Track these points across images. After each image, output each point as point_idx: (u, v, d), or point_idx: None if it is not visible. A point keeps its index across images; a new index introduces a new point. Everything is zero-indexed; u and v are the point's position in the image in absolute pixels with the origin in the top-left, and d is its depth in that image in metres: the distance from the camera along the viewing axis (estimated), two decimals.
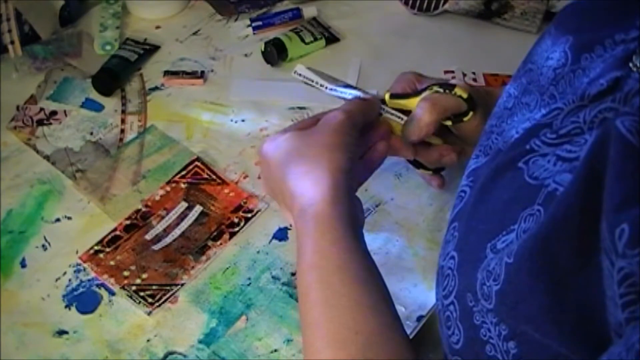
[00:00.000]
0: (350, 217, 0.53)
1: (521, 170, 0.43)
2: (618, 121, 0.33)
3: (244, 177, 0.78)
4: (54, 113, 0.85)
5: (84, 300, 0.67)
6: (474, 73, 0.89)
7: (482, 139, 0.53)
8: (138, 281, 0.68)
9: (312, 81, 0.67)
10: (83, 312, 0.66)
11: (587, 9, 0.48)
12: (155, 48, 0.93)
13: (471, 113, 0.65)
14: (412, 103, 0.66)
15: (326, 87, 0.67)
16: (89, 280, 0.68)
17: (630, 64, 0.40)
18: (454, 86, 0.64)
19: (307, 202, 0.53)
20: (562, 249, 0.35)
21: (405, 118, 0.66)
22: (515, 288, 0.37)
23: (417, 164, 0.72)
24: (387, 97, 0.67)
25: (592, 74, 0.43)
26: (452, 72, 0.89)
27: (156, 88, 0.88)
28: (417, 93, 0.66)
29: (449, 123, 0.67)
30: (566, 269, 0.35)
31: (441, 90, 0.64)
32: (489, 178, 0.46)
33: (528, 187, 0.41)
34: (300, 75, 0.67)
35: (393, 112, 0.66)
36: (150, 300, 0.66)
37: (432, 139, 0.69)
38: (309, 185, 0.53)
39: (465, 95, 0.64)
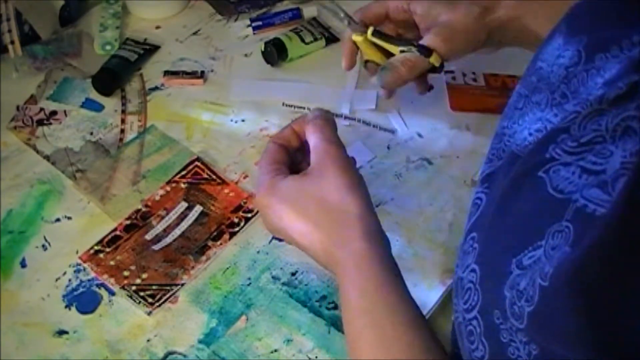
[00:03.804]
0: (388, 253, 0.53)
1: (542, 180, 0.42)
2: None
3: (244, 177, 0.78)
4: (54, 113, 0.85)
5: (84, 300, 0.67)
6: (474, 73, 0.89)
7: (494, 142, 0.52)
8: (138, 281, 0.68)
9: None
10: (83, 312, 0.66)
11: (601, 7, 0.47)
12: (155, 48, 0.93)
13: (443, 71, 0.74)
14: (391, 49, 0.72)
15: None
16: (89, 280, 0.68)
17: None
18: (431, 53, 0.70)
19: (346, 251, 0.52)
20: (603, 274, 0.34)
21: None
22: (551, 311, 0.37)
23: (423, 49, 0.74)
24: (369, 31, 0.73)
25: (608, 74, 0.42)
26: (452, 72, 0.89)
27: (156, 88, 0.88)
28: (399, 42, 0.72)
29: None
30: (607, 293, 0.34)
31: (418, 53, 0.70)
32: (508, 187, 0.45)
33: (553, 201, 0.40)
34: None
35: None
36: (150, 300, 0.66)
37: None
38: (344, 235, 0.53)
39: (437, 64, 0.71)
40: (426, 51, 0.70)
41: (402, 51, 0.71)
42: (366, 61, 0.76)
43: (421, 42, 0.71)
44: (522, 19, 0.70)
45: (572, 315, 0.35)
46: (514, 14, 0.70)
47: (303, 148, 0.62)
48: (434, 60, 0.70)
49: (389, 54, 0.73)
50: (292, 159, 0.61)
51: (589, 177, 0.39)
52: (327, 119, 0.60)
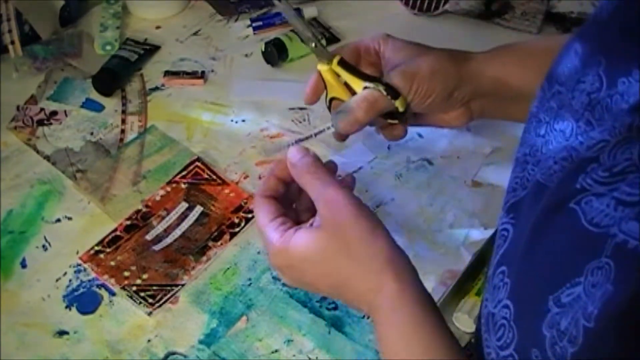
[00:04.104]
0: (420, 288, 0.53)
1: (575, 213, 0.41)
2: None
3: (245, 177, 0.78)
4: (54, 113, 0.85)
5: (84, 300, 0.67)
6: None
7: (517, 170, 0.51)
8: (138, 281, 0.68)
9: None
10: (83, 313, 0.66)
11: (616, 26, 0.46)
12: (155, 48, 0.93)
13: (399, 124, 0.68)
14: (354, 83, 0.65)
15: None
16: (89, 280, 0.68)
17: None
18: (398, 96, 0.63)
19: (380, 297, 0.52)
20: None
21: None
22: (597, 353, 0.36)
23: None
24: (335, 60, 0.65)
25: (632, 99, 0.41)
26: None
27: (156, 88, 0.88)
28: (366, 77, 0.65)
29: (394, 122, 0.68)
30: None
31: (384, 93, 0.63)
32: (539, 220, 0.44)
33: (589, 235, 0.39)
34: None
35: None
36: (150, 300, 0.66)
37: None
38: (376, 281, 0.52)
39: (401, 109, 0.64)
40: (393, 92, 0.63)
41: (365, 87, 0.64)
42: (331, 99, 0.68)
43: (383, 79, 0.65)
44: (495, 69, 0.67)
45: (621, 357, 0.35)
46: (486, 63, 0.67)
47: (289, 188, 0.60)
48: (399, 104, 0.63)
49: (353, 92, 0.66)
50: (284, 201, 0.60)
51: (625, 209, 0.38)
52: (314, 159, 0.57)
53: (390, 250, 0.53)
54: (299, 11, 0.96)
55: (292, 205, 0.62)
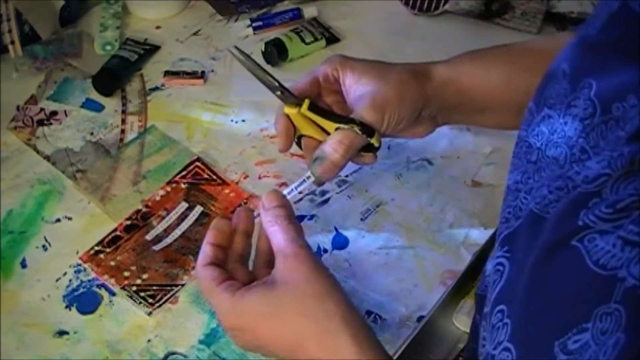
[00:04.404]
0: (379, 346, 0.51)
1: (578, 251, 0.39)
2: None
3: (244, 178, 0.78)
4: (54, 113, 0.85)
5: (84, 300, 0.67)
6: None
7: (509, 199, 0.50)
8: (138, 281, 0.68)
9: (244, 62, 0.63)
10: (83, 313, 0.66)
11: (603, 46, 0.45)
12: (155, 48, 0.93)
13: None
14: (327, 125, 0.62)
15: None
16: (89, 280, 0.68)
17: None
18: (373, 133, 0.61)
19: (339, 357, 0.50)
20: None
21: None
22: None
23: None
24: (305, 105, 0.62)
25: (629, 126, 0.40)
26: None
27: (156, 88, 0.88)
28: (338, 118, 0.62)
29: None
30: None
31: (360, 133, 0.60)
32: (540, 258, 0.42)
33: (597, 278, 0.37)
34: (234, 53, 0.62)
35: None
36: (150, 300, 0.66)
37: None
38: (333, 343, 0.50)
39: (376, 145, 0.62)
40: (368, 130, 0.61)
41: (337, 128, 0.61)
42: (300, 136, 0.65)
43: (352, 115, 0.62)
44: (459, 81, 0.65)
45: None
46: (448, 76, 0.65)
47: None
48: (375, 140, 0.61)
49: (324, 130, 0.63)
50: (230, 264, 0.56)
51: (633, 250, 0.36)
52: (288, 212, 0.54)
53: (347, 311, 0.50)
54: (299, 10, 0.96)
55: (242, 263, 0.58)
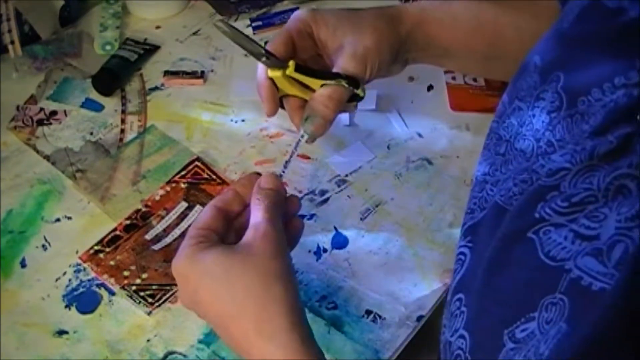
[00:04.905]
0: (314, 344, 0.50)
1: (533, 243, 0.40)
2: None
3: None
4: (54, 113, 0.85)
5: (84, 300, 0.67)
6: None
7: (475, 190, 0.50)
8: (138, 281, 0.68)
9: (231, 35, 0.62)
10: (83, 312, 0.66)
11: (574, 40, 0.45)
12: (155, 48, 0.93)
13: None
14: (313, 84, 0.63)
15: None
16: (89, 280, 0.68)
17: (639, 117, 0.38)
18: (358, 85, 0.63)
19: (274, 345, 0.48)
20: (603, 355, 0.33)
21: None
22: None
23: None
24: (291, 66, 0.62)
25: (593, 120, 0.40)
26: (452, 72, 0.89)
27: (156, 88, 0.88)
28: (323, 75, 0.63)
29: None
30: None
31: (347, 86, 0.62)
32: (497, 250, 0.43)
33: (545, 270, 0.38)
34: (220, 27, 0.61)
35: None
36: (150, 300, 0.66)
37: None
38: (271, 326, 0.48)
39: (362, 95, 0.65)
40: (354, 82, 0.63)
41: (323, 85, 0.62)
42: (283, 96, 0.66)
43: (335, 69, 0.63)
44: (428, 26, 0.67)
45: None
46: (419, 20, 0.67)
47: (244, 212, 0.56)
48: (361, 91, 0.64)
49: (308, 88, 0.64)
50: (232, 224, 0.56)
51: (582, 243, 0.37)
52: (278, 195, 0.54)
53: (291, 301, 0.49)
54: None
55: (239, 231, 0.56)
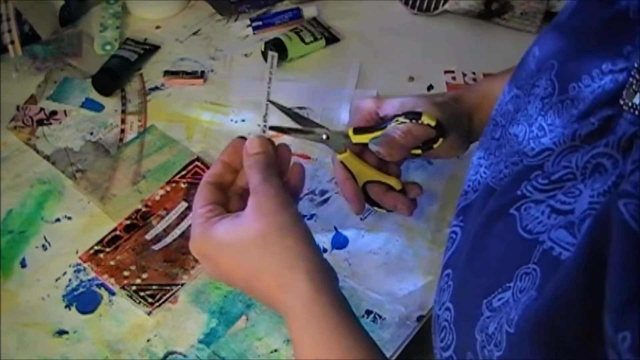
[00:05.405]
0: (335, 288, 0.52)
1: (513, 219, 0.41)
2: (621, 204, 0.31)
3: None
4: (54, 113, 0.85)
5: (84, 300, 0.67)
6: (473, 73, 0.89)
7: (470, 173, 0.51)
8: (138, 281, 0.68)
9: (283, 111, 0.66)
10: (83, 312, 0.66)
11: (569, 30, 0.46)
12: (155, 48, 0.93)
13: (441, 140, 0.65)
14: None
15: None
16: (89, 280, 0.68)
17: (621, 101, 0.39)
18: (420, 114, 0.62)
19: (292, 295, 0.50)
20: (566, 324, 0.34)
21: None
22: (517, 358, 0.37)
23: (372, 202, 0.69)
24: (350, 132, 0.64)
25: (581, 105, 0.42)
26: (452, 72, 0.89)
27: (156, 88, 0.88)
28: (381, 127, 0.64)
29: (418, 152, 0.66)
30: (571, 343, 0.34)
31: (407, 120, 0.62)
32: (481, 226, 0.44)
33: (522, 242, 0.40)
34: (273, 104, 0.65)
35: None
36: (150, 300, 0.66)
37: (391, 179, 0.67)
38: (289, 277, 0.50)
39: (432, 123, 0.63)
40: (414, 114, 0.62)
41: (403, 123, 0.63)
42: (365, 183, 0.67)
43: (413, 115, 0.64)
44: (487, 103, 0.66)
45: None
46: (477, 100, 0.69)
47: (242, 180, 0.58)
48: (426, 119, 0.62)
49: (382, 161, 0.65)
50: (230, 191, 0.58)
51: (558, 217, 0.39)
52: (267, 155, 0.55)
53: (306, 248, 0.51)
54: (298, 10, 0.96)
55: (242, 195, 0.58)
